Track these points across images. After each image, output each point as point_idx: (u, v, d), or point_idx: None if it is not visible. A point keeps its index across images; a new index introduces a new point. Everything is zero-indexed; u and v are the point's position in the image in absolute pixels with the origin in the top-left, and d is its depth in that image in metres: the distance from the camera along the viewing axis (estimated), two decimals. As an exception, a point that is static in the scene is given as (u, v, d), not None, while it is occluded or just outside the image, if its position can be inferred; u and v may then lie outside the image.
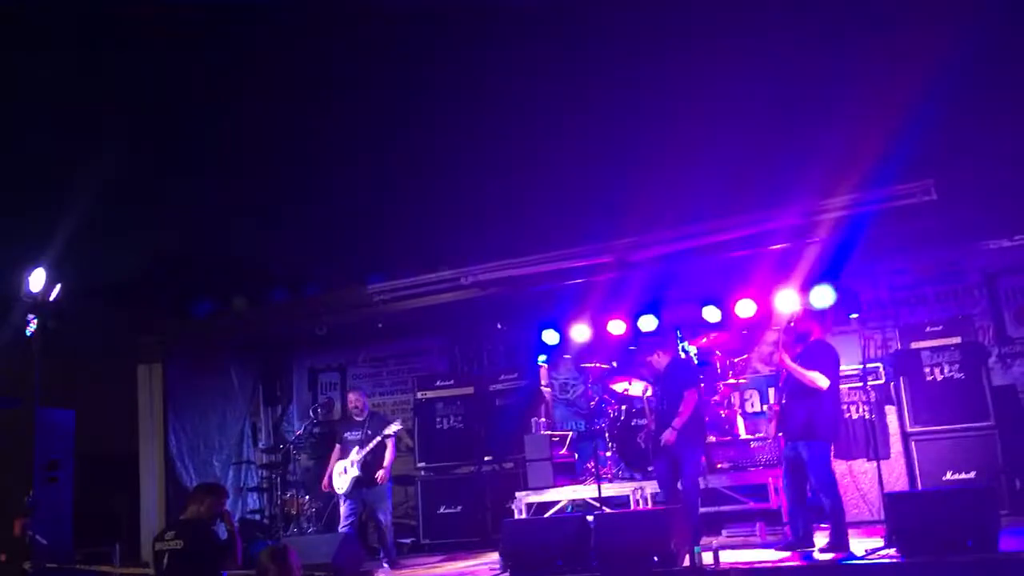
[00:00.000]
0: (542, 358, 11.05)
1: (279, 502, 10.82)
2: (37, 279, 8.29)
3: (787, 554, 7.11)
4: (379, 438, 8.94)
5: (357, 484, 8.90)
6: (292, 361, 12.97)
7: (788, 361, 7.22)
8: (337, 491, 9.04)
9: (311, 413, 11.69)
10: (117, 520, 10.85)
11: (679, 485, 8.01)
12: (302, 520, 10.56)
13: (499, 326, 11.50)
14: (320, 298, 11.18)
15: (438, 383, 11.18)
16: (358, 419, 9.21)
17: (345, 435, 9.20)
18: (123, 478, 10.92)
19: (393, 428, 9.02)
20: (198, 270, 10.27)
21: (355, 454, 8.98)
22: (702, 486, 8.42)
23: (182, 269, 10.22)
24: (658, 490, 8.43)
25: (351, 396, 9.44)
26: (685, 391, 7.98)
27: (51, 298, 8.19)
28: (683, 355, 9.10)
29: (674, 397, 8.02)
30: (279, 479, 11.11)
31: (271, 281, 10.92)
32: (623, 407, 9.84)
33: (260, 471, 12.06)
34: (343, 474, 9.00)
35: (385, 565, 8.98)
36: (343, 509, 9.04)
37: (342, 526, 8.97)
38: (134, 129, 8.46)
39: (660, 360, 8.31)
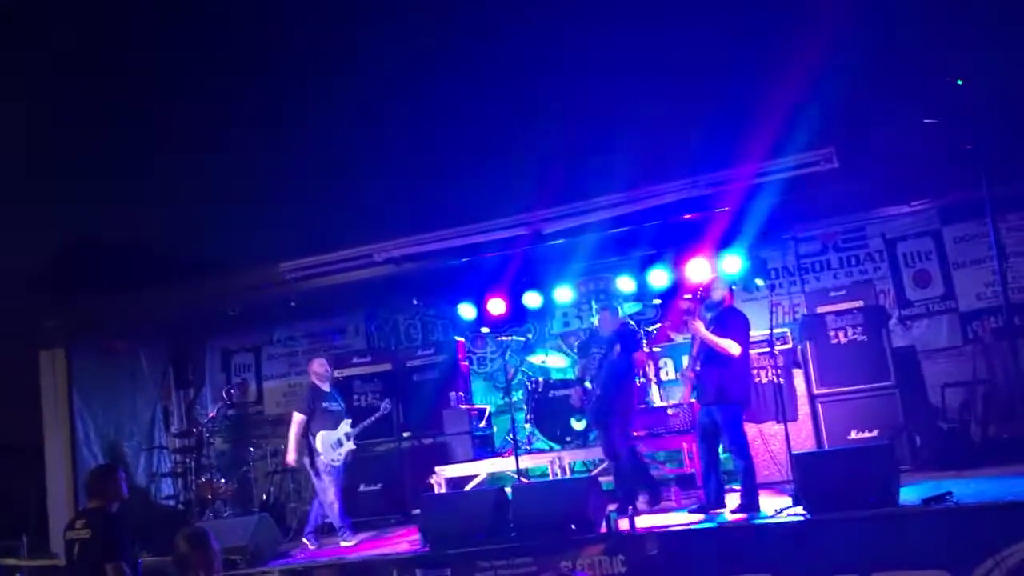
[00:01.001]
0: (458, 334, 11.07)
1: (194, 487, 10.61)
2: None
3: (701, 516, 7.27)
4: (379, 414, 9.21)
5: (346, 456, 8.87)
6: (204, 343, 12.70)
7: (702, 329, 7.37)
8: (331, 464, 8.74)
9: (224, 395, 11.48)
10: (23, 512, 10.47)
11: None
12: (218, 504, 10.39)
13: (415, 302, 11.46)
14: (231, 278, 10.92)
15: (355, 360, 11.08)
16: (326, 389, 9.03)
17: (323, 405, 8.91)
18: (28, 468, 10.55)
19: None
20: (104, 253, 9.91)
21: (347, 426, 8.90)
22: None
23: (86, 252, 9.85)
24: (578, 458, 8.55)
25: (318, 363, 9.21)
26: (633, 354, 8.22)
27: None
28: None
29: (619, 363, 8.08)
30: (193, 463, 10.90)
31: (180, 262, 10.62)
32: (541, 379, 9.92)
33: (173, 456, 11.79)
34: (337, 447, 8.79)
35: (347, 535, 8.78)
36: (326, 482, 8.73)
37: (330, 502, 8.73)
38: (33, 104, 8.10)
39: (607, 322, 8.37)
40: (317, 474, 8.77)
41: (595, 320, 8.77)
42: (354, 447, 8.98)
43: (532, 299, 10.37)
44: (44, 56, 7.64)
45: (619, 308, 8.69)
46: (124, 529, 5.89)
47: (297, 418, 8.84)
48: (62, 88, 7.92)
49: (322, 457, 8.71)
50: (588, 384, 8.32)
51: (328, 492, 8.74)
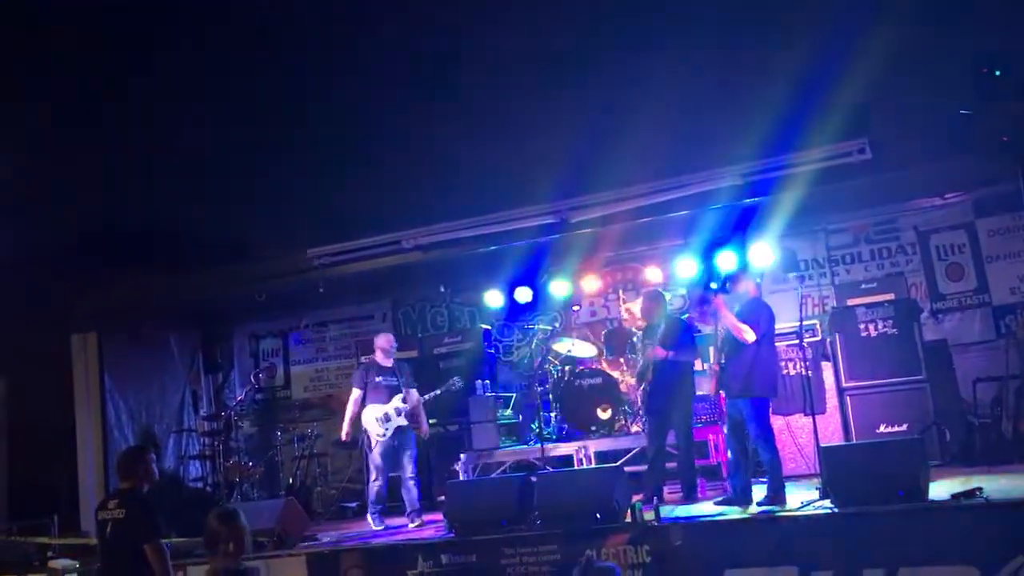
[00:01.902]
0: (485, 322, 11.08)
1: (222, 469, 10.73)
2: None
3: (727, 508, 7.24)
4: (447, 387, 9.06)
5: (398, 432, 8.70)
6: (233, 328, 12.81)
7: (724, 309, 7.36)
8: (377, 438, 8.67)
9: (252, 379, 11.58)
10: (55, 491, 10.65)
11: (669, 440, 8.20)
12: (245, 486, 10.49)
13: (442, 289, 11.47)
14: (260, 263, 11.00)
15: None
16: (386, 364, 8.93)
17: (377, 379, 8.83)
18: (60, 449, 10.71)
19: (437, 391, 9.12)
20: (135, 238, 10.02)
21: (398, 401, 8.73)
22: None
23: (118, 238, 9.96)
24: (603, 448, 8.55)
25: (384, 337, 9.10)
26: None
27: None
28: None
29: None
30: (221, 446, 11.02)
31: (210, 247, 10.71)
32: (567, 368, 9.91)
33: (202, 439, 11.92)
34: (384, 421, 8.67)
35: (413, 518, 8.61)
36: (375, 459, 8.69)
37: (374, 479, 8.71)
38: (63, 91, 8.19)
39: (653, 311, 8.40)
40: (369, 449, 8.78)
41: (628, 311, 8.60)
42: (405, 423, 8.75)
43: (559, 287, 10.35)
44: (73, 38, 7.72)
45: (664, 295, 8.68)
46: (156, 510, 5.96)
47: (353, 394, 8.86)
48: (96, 72, 7.99)
49: (367, 430, 8.71)
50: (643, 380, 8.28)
51: (371, 470, 8.77)
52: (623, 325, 10.02)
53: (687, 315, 10.09)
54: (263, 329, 12.74)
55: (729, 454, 7.63)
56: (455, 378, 9.34)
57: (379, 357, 8.98)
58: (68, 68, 7.94)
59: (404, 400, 8.78)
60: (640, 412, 8.76)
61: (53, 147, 8.66)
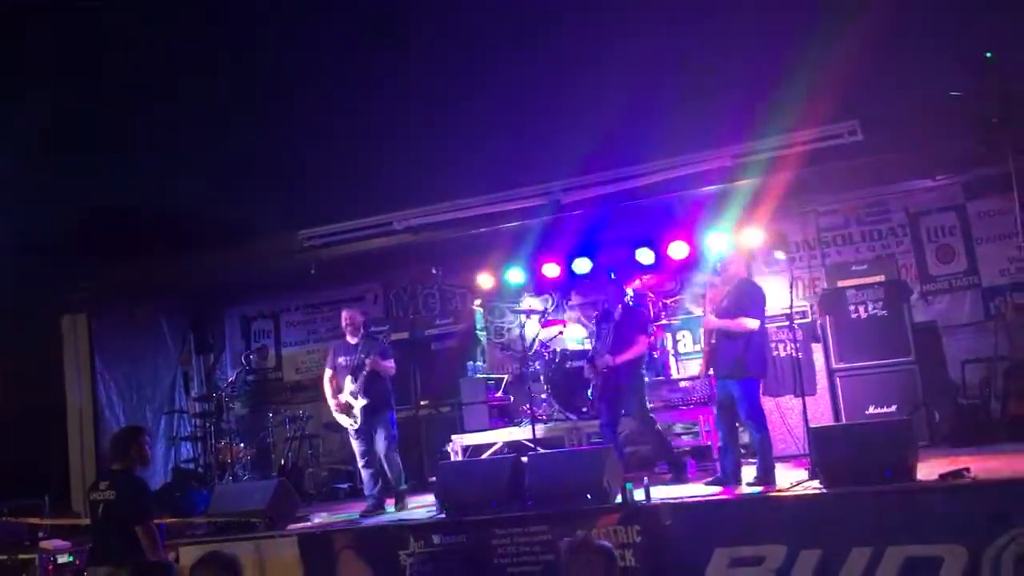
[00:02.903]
0: (477, 302, 11.09)
1: (213, 450, 10.74)
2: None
3: (716, 489, 7.29)
4: (369, 364, 8.16)
5: (366, 414, 8.25)
6: (224, 309, 12.81)
7: (715, 321, 7.36)
8: (348, 427, 8.36)
9: (243, 361, 11.59)
10: (46, 472, 10.63)
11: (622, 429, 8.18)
12: (236, 468, 10.51)
13: (433, 271, 11.47)
14: (252, 245, 10.97)
15: (373, 329, 11.10)
16: (352, 341, 8.43)
17: (340, 359, 8.42)
18: (49, 430, 10.70)
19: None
20: (126, 220, 9.98)
21: (349, 384, 8.25)
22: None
23: (109, 219, 9.92)
24: (595, 429, 8.57)
25: (346, 313, 8.57)
26: (637, 335, 8.13)
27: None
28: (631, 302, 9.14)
29: (622, 342, 8.10)
30: (212, 427, 11.03)
31: (202, 229, 10.68)
32: (558, 350, 9.93)
33: (193, 420, 11.93)
34: (348, 409, 8.29)
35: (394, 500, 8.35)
36: (356, 446, 8.40)
37: (362, 464, 8.40)
38: (58, 76, 8.14)
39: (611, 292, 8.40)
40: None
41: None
42: (366, 402, 8.21)
43: (551, 270, 10.36)
44: (72, 28, 7.68)
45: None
46: (148, 491, 5.98)
47: (326, 374, 8.58)
48: (90, 59, 7.95)
49: (342, 423, 8.46)
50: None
51: (356, 456, 8.49)
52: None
53: (678, 297, 10.12)
54: (254, 310, 12.73)
55: (720, 434, 7.66)
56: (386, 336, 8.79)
57: (347, 335, 8.52)
58: (63, 49, 7.89)
59: (355, 380, 8.24)
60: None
61: (45, 130, 8.61)
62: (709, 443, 8.60)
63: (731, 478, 7.36)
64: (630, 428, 8.39)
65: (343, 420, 8.43)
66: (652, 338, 8.98)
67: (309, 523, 8.36)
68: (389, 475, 8.42)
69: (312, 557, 7.38)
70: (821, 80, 7.36)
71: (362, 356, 8.27)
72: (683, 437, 9.41)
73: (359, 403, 8.28)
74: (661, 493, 7.23)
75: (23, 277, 10.03)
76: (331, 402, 8.49)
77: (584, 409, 9.44)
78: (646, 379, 8.64)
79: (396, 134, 8.80)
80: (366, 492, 8.57)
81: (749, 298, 7.37)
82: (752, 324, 7.21)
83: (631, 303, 8.43)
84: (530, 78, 8.50)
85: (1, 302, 9.82)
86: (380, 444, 8.32)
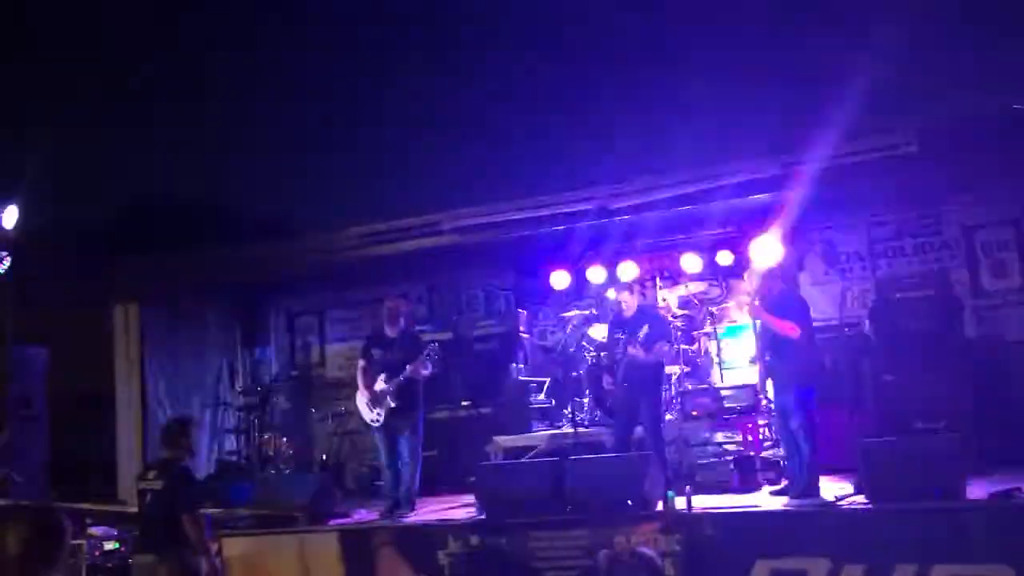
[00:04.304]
0: (521, 305, 11.08)
1: (256, 443, 10.85)
2: (9, 216, 8.18)
3: (760, 498, 7.21)
4: (409, 371, 7.74)
5: (392, 415, 7.99)
6: (270, 304, 12.89)
7: (762, 311, 7.30)
8: (371, 423, 8.12)
9: (289, 356, 11.69)
10: (94, 459, 10.84)
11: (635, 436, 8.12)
12: (279, 461, 10.61)
13: (479, 272, 11.48)
14: (300, 240, 11.10)
15: (416, 328, 11.16)
16: (390, 333, 8.14)
17: (372, 352, 8.13)
18: (99, 418, 10.90)
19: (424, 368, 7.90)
20: (178, 211, 10.16)
21: (382, 382, 7.94)
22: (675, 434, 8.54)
23: (162, 211, 10.11)
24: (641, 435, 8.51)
25: (389, 301, 8.30)
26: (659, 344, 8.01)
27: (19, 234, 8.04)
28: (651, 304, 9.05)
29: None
30: (256, 421, 11.14)
31: (250, 223, 10.83)
32: (601, 353, 9.88)
33: (237, 413, 12.06)
34: (374, 406, 8.00)
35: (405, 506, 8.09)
36: (377, 440, 8.24)
37: (385, 464, 8.24)
38: (110, 71, 8.31)
39: (628, 303, 8.31)
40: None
41: (622, 299, 8.34)
42: (393, 406, 7.95)
43: (596, 274, 10.32)
44: (121, 14, 7.81)
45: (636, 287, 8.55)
46: (195, 481, 6.07)
47: (360, 364, 8.37)
48: (147, 47, 8.09)
49: (365, 418, 8.20)
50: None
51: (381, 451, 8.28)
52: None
53: (724, 305, 10.02)
54: (300, 306, 12.83)
55: (782, 444, 7.60)
56: (432, 344, 8.37)
57: (385, 325, 8.21)
58: (121, 42, 8.05)
59: (387, 380, 7.94)
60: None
61: (99, 121, 8.78)
62: (752, 454, 8.51)
63: (799, 487, 7.25)
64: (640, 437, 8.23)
65: (365, 413, 8.19)
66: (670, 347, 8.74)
67: (349, 519, 8.41)
68: (406, 475, 8.23)
69: (352, 553, 7.45)
70: (877, 90, 7.26)
71: (399, 356, 7.97)
72: (725, 447, 9.31)
73: (389, 404, 8.05)
74: (703, 502, 7.17)
75: (77, 266, 10.25)
76: (361, 394, 8.22)
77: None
78: (687, 386, 8.55)
79: (450, 138, 8.86)
80: (385, 491, 8.46)
81: (792, 308, 7.33)
82: (793, 331, 7.15)
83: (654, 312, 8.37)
84: (579, 85, 8.51)
85: (54, 291, 10.02)
86: (404, 444, 8.15)
